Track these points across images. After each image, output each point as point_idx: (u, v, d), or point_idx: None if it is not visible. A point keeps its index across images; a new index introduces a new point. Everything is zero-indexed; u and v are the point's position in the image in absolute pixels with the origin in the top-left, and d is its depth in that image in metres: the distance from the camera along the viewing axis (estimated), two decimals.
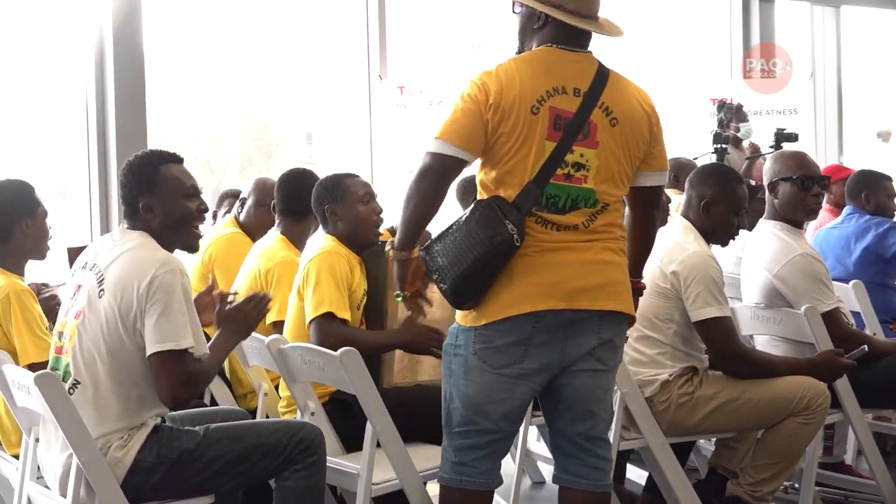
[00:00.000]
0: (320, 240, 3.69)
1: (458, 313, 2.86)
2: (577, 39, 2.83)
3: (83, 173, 5.79)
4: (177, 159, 3.02)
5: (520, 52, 2.87)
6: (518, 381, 2.80)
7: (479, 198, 2.81)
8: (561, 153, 2.74)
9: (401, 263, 2.87)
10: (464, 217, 2.76)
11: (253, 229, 4.53)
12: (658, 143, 2.92)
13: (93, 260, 2.95)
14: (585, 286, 2.77)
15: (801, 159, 4.03)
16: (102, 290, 2.85)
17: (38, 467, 3.04)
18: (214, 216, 5.31)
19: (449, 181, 2.79)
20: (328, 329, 3.45)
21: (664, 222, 4.41)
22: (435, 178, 2.74)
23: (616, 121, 2.81)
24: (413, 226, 2.80)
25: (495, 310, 2.76)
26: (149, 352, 2.80)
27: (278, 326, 3.87)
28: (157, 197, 2.94)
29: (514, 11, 2.92)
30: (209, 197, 8.26)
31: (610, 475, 2.94)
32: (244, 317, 3.05)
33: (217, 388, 3.87)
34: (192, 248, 3.03)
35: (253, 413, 3.62)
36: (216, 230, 4.63)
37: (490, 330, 2.77)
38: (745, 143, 6.60)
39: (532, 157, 2.73)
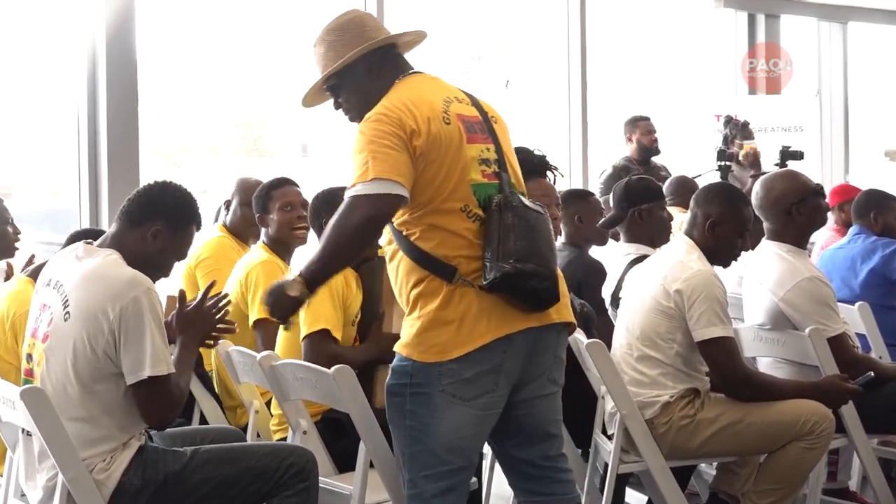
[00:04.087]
0: None
1: (408, 345, 2.72)
2: (410, 64, 2.90)
3: (73, 182, 5.78)
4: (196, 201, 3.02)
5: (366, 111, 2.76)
6: (489, 411, 2.74)
7: (399, 241, 2.73)
8: (487, 152, 2.78)
9: (299, 303, 2.72)
10: (502, 219, 2.67)
11: (241, 230, 4.54)
12: None
13: (56, 278, 2.91)
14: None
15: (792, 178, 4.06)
16: (68, 312, 2.81)
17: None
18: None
19: (384, 225, 2.72)
20: (321, 347, 3.45)
21: (667, 240, 4.42)
22: (378, 224, 2.67)
23: (495, 119, 2.88)
24: (334, 270, 2.79)
25: (467, 339, 2.67)
26: (129, 381, 2.78)
27: (261, 326, 3.89)
28: (166, 226, 2.93)
29: (339, 100, 2.87)
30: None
31: (576, 486, 2.95)
32: (202, 318, 3.03)
33: (206, 404, 3.86)
34: (163, 277, 3.01)
35: (243, 430, 3.61)
36: (204, 237, 4.64)
37: (460, 362, 2.67)
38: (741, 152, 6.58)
39: (466, 167, 2.72)
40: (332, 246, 2.67)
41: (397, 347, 2.76)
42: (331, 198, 3.72)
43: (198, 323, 3.03)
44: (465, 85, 2.98)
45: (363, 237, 2.70)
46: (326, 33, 2.87)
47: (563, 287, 2.81)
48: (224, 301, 3.08)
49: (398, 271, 2.77)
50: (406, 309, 2.76)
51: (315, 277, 2.70)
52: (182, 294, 3.11)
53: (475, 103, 2.86)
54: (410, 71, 2.86)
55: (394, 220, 2.74)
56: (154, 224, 2.91)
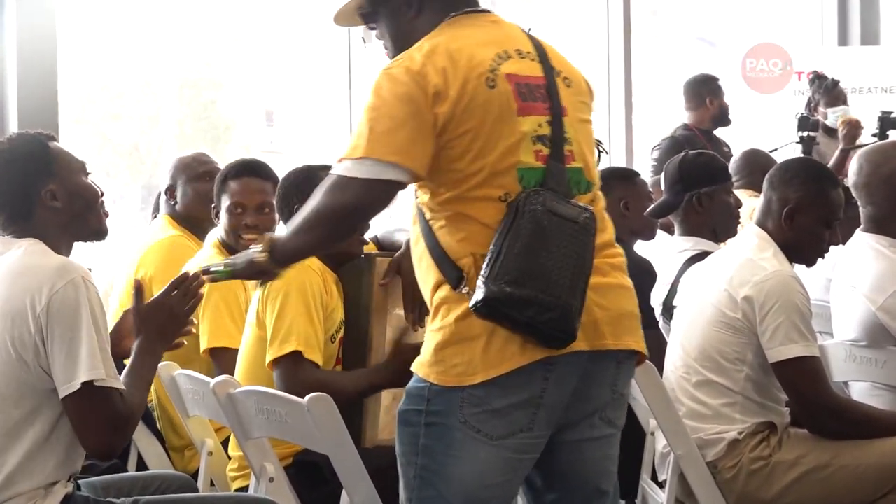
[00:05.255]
0: None
1: (425, 363, 2.72)
2: (473, 1, 2.86)
3: None
4: (53, 137, 3.11)
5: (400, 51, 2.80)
6: (522, 455, 2.72)
7: (422, 225, 2.74)
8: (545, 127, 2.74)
9: (270, 274, 2.86)
10: (514, 224, 2.63)
11: (195, 217, 4.55)
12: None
13: None
14: (604, 318, 2.73)
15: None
16: None
17: None
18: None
19: (375, 215, 2.76)
20: (297, 376, 3.47)
21: (734, 232, 4.44)
22: (363, 215, 2.73)
23: (569, 81, 2.83)
24: (306, 254, 2.86)
25: (496, 360, 2.65)
26: (63, 393, 2.81)
27: (217, 356, 3.91)
28: (57, 178, 3.00)
29: (365, 39, 2.94)
30: (138, 193, 8.31)
31: None
32: (169, 312, 3.06)
33: (146, 443, 3.88)
34: (103, 232, 3.09)
35: (194, 476, 3.63)
36: (149, 236, 4.66)
37: (487, 388, 2.65)
38: (836, 123, 6.59)
39: (512, 144, 2.69)
40: (307, 228, 2.72)
41: (415, 366, 2.76)
42: (304, 180, 3.73)
43: (161, 316, 3.05)
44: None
45: (342, 227, 2.75)
46: None
47: (625, 306, 2.78)
48: (198, 282, 3.09)
49: (421, 264, 2.79)
50: (430, 317, 2.78)
51: (284, 255, 2.78)
52: (140, 285, 3.13)
53: (542, 57, 2.80)
54: (464, 9, 2.83)
55: (417, 196, 2.76)
56: (46, 186, 2.98)
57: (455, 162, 2.68)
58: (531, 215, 2.62)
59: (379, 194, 2.66)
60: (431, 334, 2.73)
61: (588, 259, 2.66)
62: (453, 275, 2.68)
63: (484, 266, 2.61)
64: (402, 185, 2.67)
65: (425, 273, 2.76)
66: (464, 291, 2.66)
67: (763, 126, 7.35)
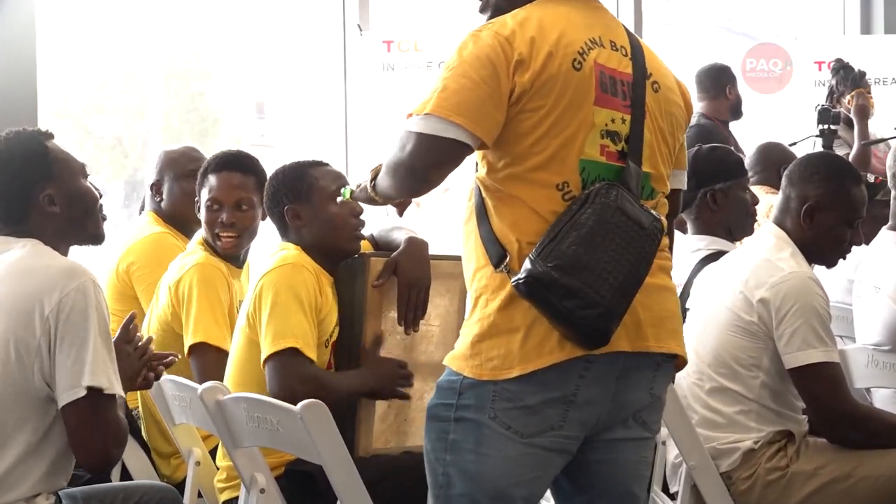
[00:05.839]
0: (279, 249, 3.71)
1: (459, 357, 2.76)
2: None
3: None
4: (51, 135, 3.12)
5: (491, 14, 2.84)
6: (553, 453, 2.75)
7: (476, 202, 2.77)
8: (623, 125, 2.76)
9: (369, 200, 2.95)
10: (580, 212, 2.66)
11: (181, 216, 4.56)
12: (684, 132, 2.97)
13: None
14: (648, 319, 2.77)
15: None
16: None
17: None
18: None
19: (443, 173, 2.76)
20: (294, 370, 3.47)
21: (750, 231, 4.45)
22: (425, 172, 2.74)
23: (658, 86, 2.85)
24: (394, 198, 2.92)
25: (533, 353, 2.68)
26: (63, 400, 2.84)
27: (198, 352, 3.92)
28: (56, 181, 3.01)
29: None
30: (122, 189, 8.32)
31: None
32: (124, 356, 3.10)
33: (131, 453, 3.89)
34: (100, 237, 3.12)
35: (180, 487, 3.64)
36: (133, 233, 4.67)
37: (522, 384, 2.69)
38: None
39: (580, 133, 2.72)
40: (385, 175, 2.81)
41: (448, 360, 2.80)
42: (294, 178, 3.73)
43: (121, 360, 3.07)
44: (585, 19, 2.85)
45: (410, 182, 2.79)
46: None
47: (668, 307, 2.81)
48: (147, 345, 3.17)
49: (468, 242, 2.83)
50: (469, 308, 2.81)
51: (379, 192, 2.88)
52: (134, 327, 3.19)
53: (636, 57, 2.83)
54: None
55: (476, 170, 2.80)
56: (44, 190, 3.00)
57: (522, 137, 2.71)
58: (599, 208, 2.65)
59: (442, 152, 2.69)
60: (469, 326, 2.76)
61: (645, 266, 2.69)
62: (496, 252, 2.71)
63: (538, 244, 2.64)
64: (467, 148, 2.70)
65: (470, 252, 2.79)
66: (504, 270, 2.69)
67: (763, 126, 7.36)
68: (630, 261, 2.65)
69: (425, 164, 2.72)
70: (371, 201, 2.95)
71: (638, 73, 2.81)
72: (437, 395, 2.79)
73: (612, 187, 2.68)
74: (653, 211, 2.72)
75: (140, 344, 3.17)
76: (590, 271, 2.61)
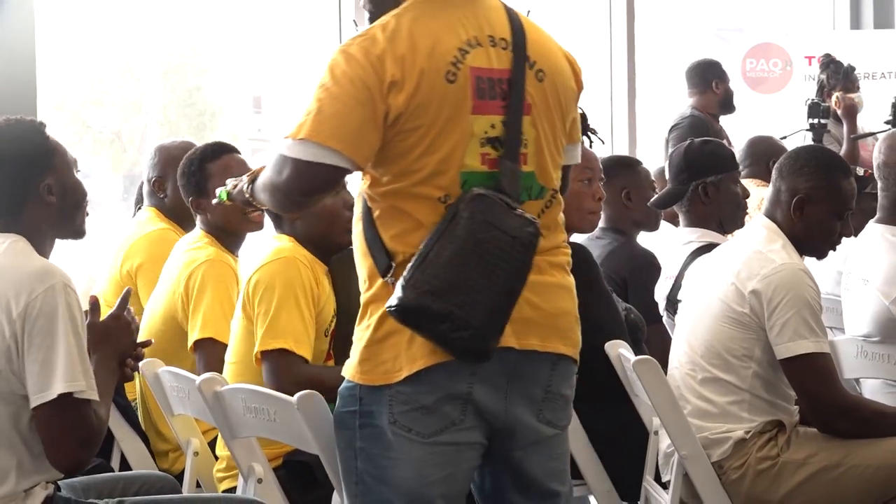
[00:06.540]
0: (273, 240, 3.71)
1: (353, 364, 2.74)
2: None
3: None
4: (45, 125, 3.11)
5: (378, 16, 2.77)
6: (462, 448, 2.74)
7: (363, 209, 2.74)
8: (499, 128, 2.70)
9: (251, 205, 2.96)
10: (448, 229, 2.61)
11: (187, 210, 4.55)
12: (576, 107, 2.90)
13: None
14: (537, 318, 2.74)
15: None
16: None
17: None
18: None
19: (318, 196, 2.78)
20: (287, 371, 3.49)
21: (741, 224, 4.45)
22: (300, 197, 2.73)
23: (542, 73, 2.78)
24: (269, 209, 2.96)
25: (419, 353, 2.66)
26: (35, 402, 2.82)
27: (204, 347, 3.90)
28: (55, 172, 3.00)
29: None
30: (120, 182, 8.31)
31: None
32: (120, 331, 3.10)
33: (129, 443, 3.89)
34: (83, 233, 3.10)
35: (179, 478, 3.64)
36: (134, 229, 4.65)
37: (413, 385, 2.67)
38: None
39: (459, 145, 2.67)
40: (262, 189, 2.80)
41: (344, 370, 2.78)
42: None
43: (114, 336, 3.08)
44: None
45: (286, 204, 2.82)
46: None
47: (561, 305, 2.78)
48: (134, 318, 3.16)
49: (358, 250, 2.79)
50: (359, 314, 2.78)
51: (256, 199, 2.88)
52: (95, 301, 3.16)
53: (518, 45, 2.75)
54: None
55: (361, 182, 2.76)
56: (44, 179, 2.98)
57: (402, 156, 2.68)
58: (467, 223, 2.60)
59: (319, 178, 2.68)
60: (360, 332, 2.75)
61: (521, 277, 2.65)
62: (383, 262, 2.69)
63: (409, 267, 2.61)
64: (345, 171, 2.68)
65: (360, 260, 2.78)
66: (389, 281, 2.66)
67: (763, 126, 7.37)
68: (502, 276, 2.61)
69: (302, 190, 2.71)
70: (248, 204, 2.93)
71: (517, 65, 2.74)
72: (340, 402, 2.78)
73: (479, 199, 2.62)
74: (527, 215, 2.66)
75: (131, 318, 3.14)
76: (461, 292, 2.58)
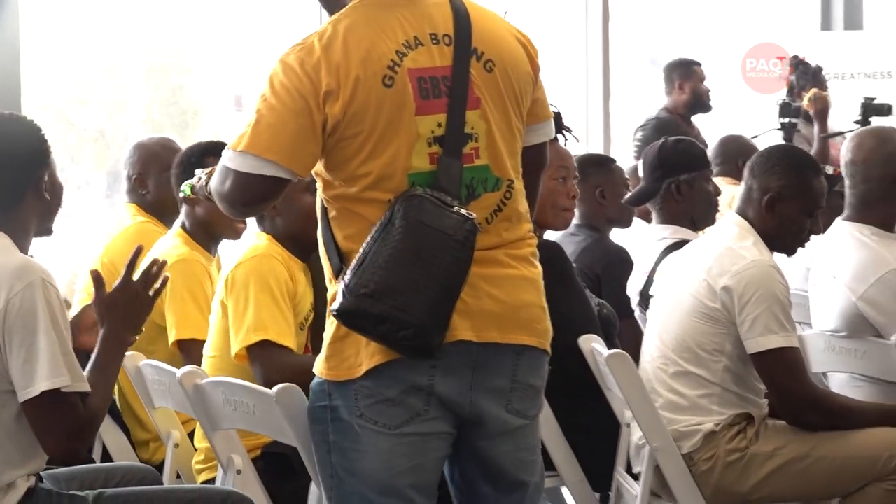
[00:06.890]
0: (251, 239, 3.73)
1: (321, 362, 2.77)
2: None
3: None
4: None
5: (331, 12, 2.78)
6: (429, 438, 2.75)
7: (321, 208, 2.77)
8: (443, 126, 2.70)
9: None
10: (385, 231, 2.62)
11: (170, 205, 4.54)
12: (540, 86, 2.89)
13: None
14: (497, 310, 2.74)
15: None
16: None
17: None
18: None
19: (260, 206, 2.85)
20: (271, 361, 3.50)
21: (713, 221, 4.47)
22: (242, 206, 2.79)
23: (492, 63, 2.75)
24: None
25: (378, 348, 2.67)
26: (21, 398, 2.83)
27: (184, 347, 3.92)
28: (49, 168, 3.01)
29: None
30: (104, 179, 8.30)
31: None
32: (134, 296, 3.07)
33: (110, 435, 3.90)
34: (52, 231, 3.10)
35: (159, 468, 3.65)
36: (115, 225, 4.66)
37: (375, 379, 2.69)
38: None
39: (403, 148, 2.67)
40: (216, 199, 2.82)
41: (315, 366, 2.81)
42: None
43: (121, 306, 3.06)
44: None
45: (232, 211, 2.83)
46: None
47: (523, 297, 2.78)
48: (161, 264, 3.13)
49: (321, 250, 2.82)
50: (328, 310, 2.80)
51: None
52: (98, 275, 3.12)
53: (461, 39, 2.73)
54: None
55: (318, 184, 2.78)
56: (42, 174, 2.99)
57: (346, 163, 2.69)
58: (402, 225, 2.61)
59: (259, 189, 2.71)
60: (327, 329, 2.77)
61: (461, 274, 2.65)
62: (336, 263, 2.73)
63: (349, 270, 2.63)
64: (285, 181, 2.70)
65: (323, 259, 2.81)
66: (343, 279, 2.67)
67: (763, 126, 7.40)
68: (440, 274, 2.62)
69: (244, 200, 2.75)
70: (209, 199, 2.95)
71: (459, 59, 2.73)
72: (312, 397, 2.81)
73: (414, 199, 2.63)
74: (464, 211, 2.65)
75: (154, 271, 3.12)
76: (399, 294, 2.59)
